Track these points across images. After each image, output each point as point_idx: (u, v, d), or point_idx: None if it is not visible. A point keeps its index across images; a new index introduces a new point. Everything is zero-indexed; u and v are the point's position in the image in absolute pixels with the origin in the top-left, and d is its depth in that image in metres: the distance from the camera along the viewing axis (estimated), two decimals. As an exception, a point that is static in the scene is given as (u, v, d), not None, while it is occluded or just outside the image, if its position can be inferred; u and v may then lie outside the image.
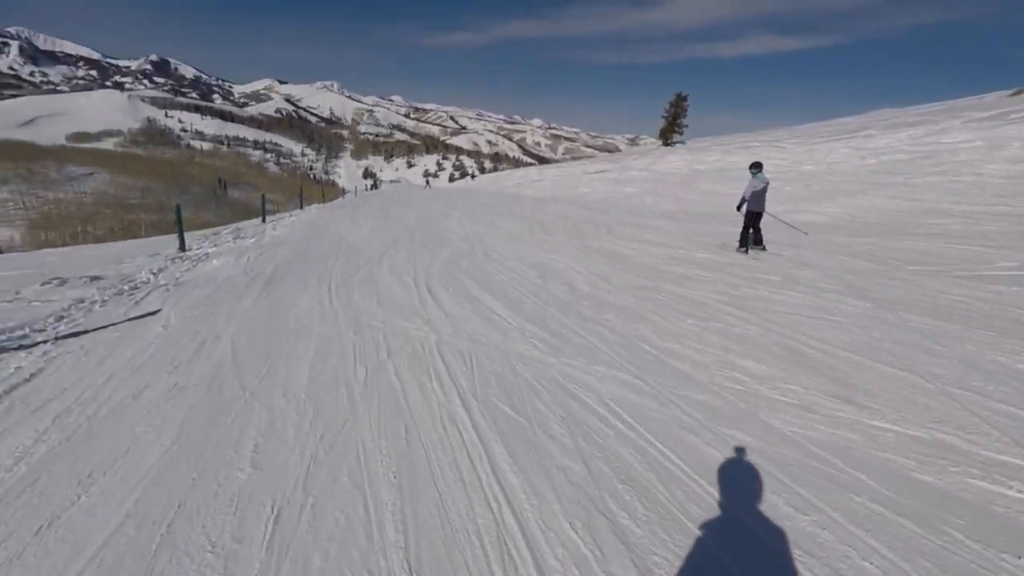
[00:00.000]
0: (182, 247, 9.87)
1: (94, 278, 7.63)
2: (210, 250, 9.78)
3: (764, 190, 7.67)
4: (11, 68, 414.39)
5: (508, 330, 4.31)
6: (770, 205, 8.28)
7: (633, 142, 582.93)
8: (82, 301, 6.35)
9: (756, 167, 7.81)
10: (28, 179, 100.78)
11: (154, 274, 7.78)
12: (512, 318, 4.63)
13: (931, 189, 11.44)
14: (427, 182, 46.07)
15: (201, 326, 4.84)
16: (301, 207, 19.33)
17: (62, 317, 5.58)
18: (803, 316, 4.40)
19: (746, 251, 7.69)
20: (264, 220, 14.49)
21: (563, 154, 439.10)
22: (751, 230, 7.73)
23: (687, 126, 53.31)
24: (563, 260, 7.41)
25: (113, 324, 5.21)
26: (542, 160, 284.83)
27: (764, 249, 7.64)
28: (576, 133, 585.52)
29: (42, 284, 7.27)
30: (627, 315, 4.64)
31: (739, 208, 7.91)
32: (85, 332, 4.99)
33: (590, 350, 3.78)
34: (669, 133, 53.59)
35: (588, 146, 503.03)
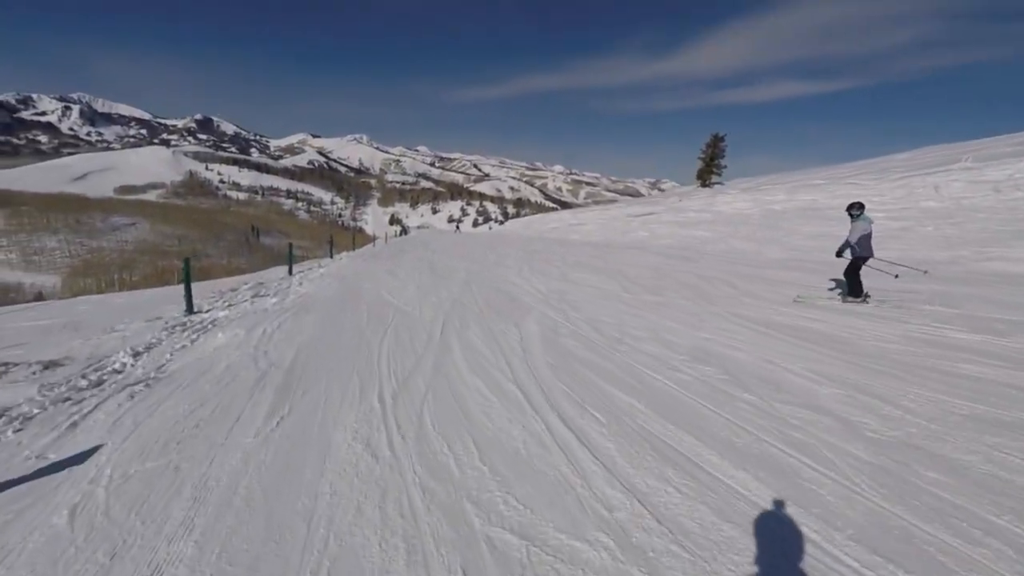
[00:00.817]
0: (189, 309, 7.70)
1: (50, 364, 5.39)
2: (220, 314, 7.57)
3: (870, 233, 6.84)
4: (71, 129, 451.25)
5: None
6: (928, 250, 5.85)
7: (655, 186, 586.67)
8: (2, 415, 4.04)
9: (858, 208, 6.98)
10: (75, 229, 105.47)
11: (135, 356, 5.49)
12: (845, 554, 1.96)
13: None
14: (457, 227, 44.83)
15: (137, 519, 2.35)
16: (331, 255, 17.42)
17: (-66, 462, 3.24)
18: None
19: (865, 299, 6.64)
20: (291, 272, 12.41)
21: (584, 198, 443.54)
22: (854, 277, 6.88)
23: (725, 167, 51.60)
24: (737, 345, 4.76)
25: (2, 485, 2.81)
26: (564, 204, 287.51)
27: (868, 299, 6.64)
28: (597, 178, 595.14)
29: (-33, 379, 5.04)
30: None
31: (840, 253, 7.05)
32: (-65, 512, 2.58)
33: None
34: (707, 174, 51.83)
35: (609, 190, 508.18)
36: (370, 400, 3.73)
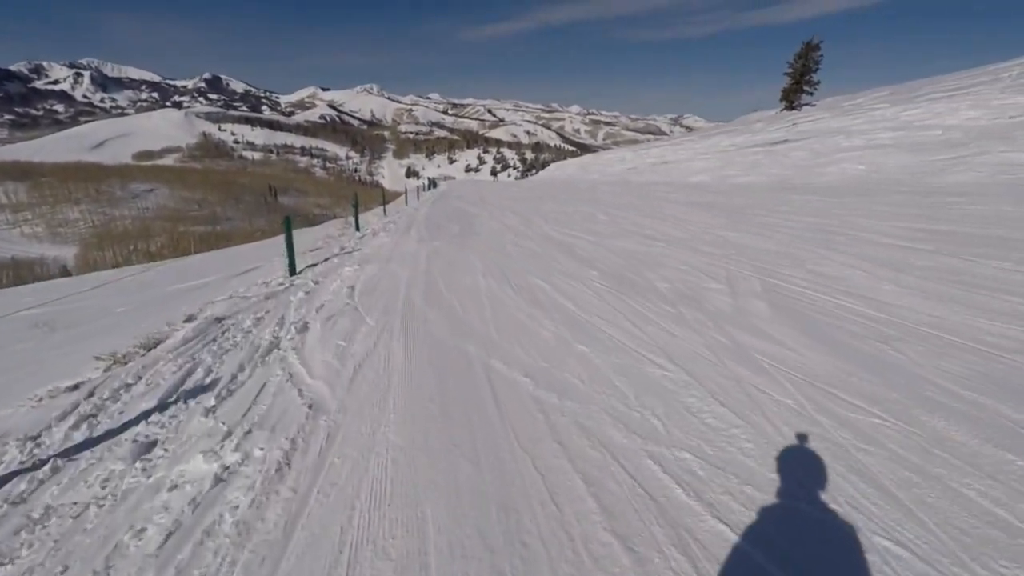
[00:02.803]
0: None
1: None
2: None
3: None
4: (85, 96, 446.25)
5: None
6: None
7: (676, 122, 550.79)
8: None
9: None
10: (96, 199, 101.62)
11: None
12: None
13: None
14: (494, 175, 37.58)
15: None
16: (357, 227, 11.00)
17: None
18: None
19: None
20: (293, 270, 6.19)
21: (604, 140, 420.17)
22: None
23: (819, 83, 42.05)
24: None
25: None
26: (583, 147, 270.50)
27: None
28: (616, 117, 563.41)
29: None
30: None
31: None
32: None
33: None
34: (795, 93, 42.53)
35: (629, 129, 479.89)
36: None
